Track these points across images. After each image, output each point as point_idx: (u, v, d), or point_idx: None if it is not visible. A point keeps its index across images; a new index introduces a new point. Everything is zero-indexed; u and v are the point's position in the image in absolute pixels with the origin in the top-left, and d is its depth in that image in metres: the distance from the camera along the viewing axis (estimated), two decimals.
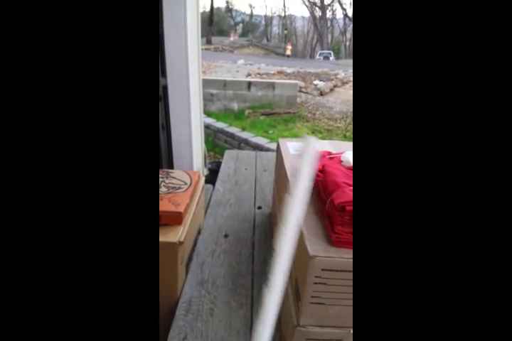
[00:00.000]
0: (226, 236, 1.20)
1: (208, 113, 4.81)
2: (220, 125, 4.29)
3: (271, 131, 4.45)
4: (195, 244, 1.12)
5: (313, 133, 4.47)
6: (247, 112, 5.04)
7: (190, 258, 1.06)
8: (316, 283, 0.59)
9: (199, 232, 1.20)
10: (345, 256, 0.57)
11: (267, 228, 1.24)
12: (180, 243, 0.88)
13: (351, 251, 0.58)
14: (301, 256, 0.63)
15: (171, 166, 1.43)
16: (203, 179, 1.22)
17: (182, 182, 1.04)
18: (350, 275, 0.58)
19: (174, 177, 1.08)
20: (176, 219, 0.91)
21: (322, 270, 0.58)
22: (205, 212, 1.34)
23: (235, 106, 5.23)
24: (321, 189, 0.71)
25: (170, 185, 1.03)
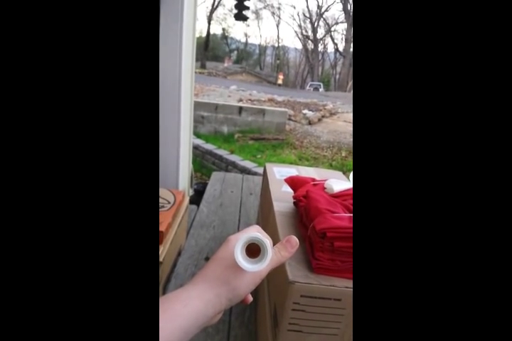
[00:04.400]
0: (207, 259, 1.17)
1: (197, 134, 4.84)
2: (209, 147, 4.31)
3: (259, 156, 4.49)
4: (174, 266, 1.10)
5: (300, 160, 4.53)
6: (236, 136, 5.09)
7: (168, 280, 1.03)
8: (294, 310, 0.58)
9: (179, 253, 1.17)
10: (324, 283, 0.57)
11: None
12: (159, 263, 0.86)
13: (331, 278, 0.58)
14: (280, 280, 0.62)
15: None
16: (187, 199, 1.21)
17: (165, 201, 1.04)
18: (329, 303, 0.57)
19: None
20: None
21: (301, 296, 0.57)
22: (188, 232, 1.33)
23: (225, 129, 5.29)
24: (304, 214, 0.72)
25: None
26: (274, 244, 0.38)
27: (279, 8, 27.88)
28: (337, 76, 25.97)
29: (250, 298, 0.39)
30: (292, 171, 1.11)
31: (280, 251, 0.38)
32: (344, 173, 1.19)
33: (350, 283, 0.57)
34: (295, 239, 0.40)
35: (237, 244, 0.35)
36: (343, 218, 0.62)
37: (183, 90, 1.28)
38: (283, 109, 5.94)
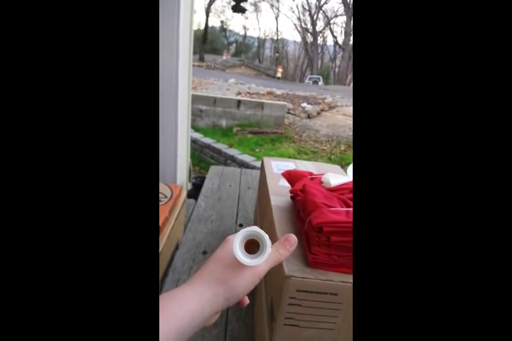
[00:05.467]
0: (205, 252, 1.17)
1: (196, 128, 4.82)
2: (208, 140, 4.30)
3: (257, 150, 4.48)
4: (171, 260, 1.10)
5: (298, 154, 4.53)
6: (235, 130, 5.08)
7: (165, 274, 1.03)
8: (290, 304, 0.58)
9: (177, 247, 1.17)
10: (321, 278, 0.57)
11: None
12: None
13: (327, 272, 0.58)
14: (277, 275, 0.62)
15: None
16: (184, 193, 1.21)
17: (162, 195, 1.03)
18: (326, 298, 0.57)
19: None
20: None
21: (297, 291, 0.57)
22: (185, 226, 1.32)
23: (224, 123, 5.27)
24: (301, 208, 0.71)
25: None
26: (272, 242, 0.38)
27: (277, 1, 27.60)
28: (336, 69, 25.84)
29: (247, 300, 0.38)
30: (290, 165, 1.11)
31: (278, 250, 0.38)
32: (342, 167, 1.18)
33: (346, 278, 0.57)
34: (293, 238, 0.39)
35: (236, 239, 0.34)
36: (340, 212, 0.62)
37: (180, 83, 1.27)
38: (282, 103, 5.92)
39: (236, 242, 0.34)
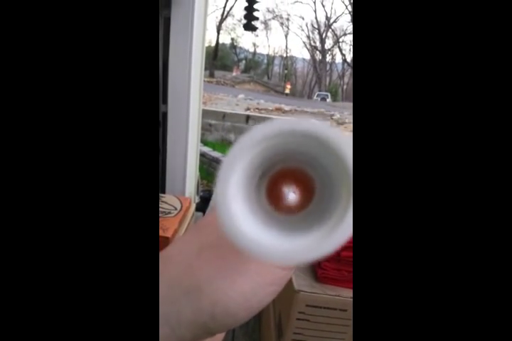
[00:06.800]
0: None
1: (205, 142, 4.87)
2: (216, 154, 4.33)
3: None
4: None
5: None
6: None
7: None
8: (299, 319, 0.58)
9: None
10: (330, 293, 0.57)
11: None
12: None
13: (337, 288, 0.58)
14: (285, 289, 0.62)
15: (162, 191, 1.43)
16: (193, 205, 1.22)
17: (172, 207, 1.04)
18: (334, 313, 0.57)
19: (165, 202, 1.08)
20: (163, 244, 0.90)
21: (306, 306, 0.57)
22: None
23: (233, 137, 5.32)
24: None
25: (159, 209, 1.03)
26: None
27: (287, 19, 28.28)
28: (344, 86, 26.10)
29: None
30: None
31: None
32: None
33: None
34: None
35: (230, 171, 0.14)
36: None
37: (191, 98, 1.30)
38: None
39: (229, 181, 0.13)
